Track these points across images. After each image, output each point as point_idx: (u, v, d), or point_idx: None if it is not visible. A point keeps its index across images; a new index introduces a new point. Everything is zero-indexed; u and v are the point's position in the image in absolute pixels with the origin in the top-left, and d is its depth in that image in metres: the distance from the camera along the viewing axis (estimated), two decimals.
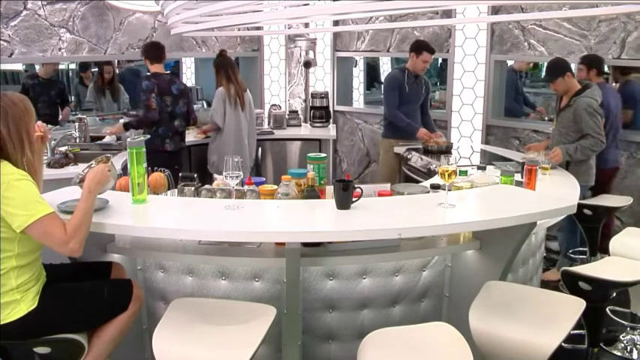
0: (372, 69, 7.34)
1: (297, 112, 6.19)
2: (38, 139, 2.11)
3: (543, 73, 4.73)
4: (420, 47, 4.70)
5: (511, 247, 2.39)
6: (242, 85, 4.73)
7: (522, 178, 3.00)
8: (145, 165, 2.30)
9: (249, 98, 4.80)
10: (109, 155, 2.34)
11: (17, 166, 2.00)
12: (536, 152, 3.62)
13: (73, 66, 5.97)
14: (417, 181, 3.80)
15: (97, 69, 5.74)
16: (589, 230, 3.70)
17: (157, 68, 4.48)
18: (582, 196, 3.78)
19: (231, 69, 4.67)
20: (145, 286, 2.45)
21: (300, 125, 5.98)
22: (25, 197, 1.91)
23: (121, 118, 4.87)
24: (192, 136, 5.03)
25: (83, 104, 5.68)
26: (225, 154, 4.54)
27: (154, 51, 4.49)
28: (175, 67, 6.64)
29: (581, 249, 4.09)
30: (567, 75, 3.77)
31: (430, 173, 3.89)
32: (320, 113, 5.97)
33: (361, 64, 6.70)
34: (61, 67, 6.39)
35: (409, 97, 4.77)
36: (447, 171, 2.26)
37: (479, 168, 2.94)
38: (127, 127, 4.35)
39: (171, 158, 4.33)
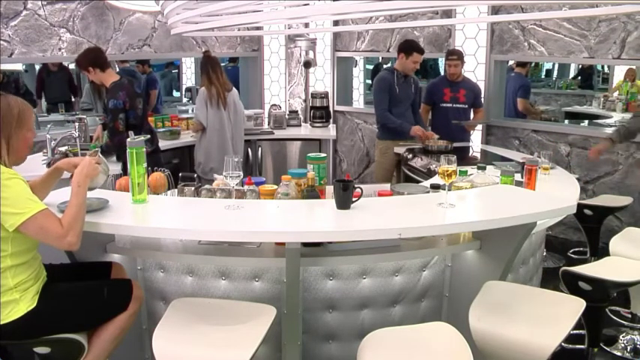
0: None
1: (297, 112, 6.19)
2: (23, 148, 2.07)
3: (543, 74, 4.77)
4: (410, 48, 4.65)
5: (511, 247, 2.38)
6: (226, 85, 4.58)
7: (522, 178, 3.00)
8: (145, 165, 2.30)
9: (233, 98, 4.66)
10: (97, 150, 2.34)
11: None
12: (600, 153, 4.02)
13: (72, 66, 5.97)
14: (417, 181, 3.80)
15: None
16: (589, 230, 3.70)
17: (111, 75, 3.88)
18: None
19: (214, 69, 4.51)
20: (145, 286, 2.45)
21: (300, 125, 5.98)
22: (17, 196, 1.90)
23: None
24: (188, 137, 5.01)
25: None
26: (210, 154, 4.54)
27: (100, 56, 3.87)
28: (176, 67, 6.63)
29: (580, 249, 4.09)
30: None
31: (430, 173, 3.89)
32: (320, 113, 5.97)
33: (361, 64, 6.70)
34: None
35: (400, 98, 4.75)
36: (447, 171, 2.26)
37: (479, 168, 2.94)
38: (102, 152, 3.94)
39: (150, 160, 4.05)
